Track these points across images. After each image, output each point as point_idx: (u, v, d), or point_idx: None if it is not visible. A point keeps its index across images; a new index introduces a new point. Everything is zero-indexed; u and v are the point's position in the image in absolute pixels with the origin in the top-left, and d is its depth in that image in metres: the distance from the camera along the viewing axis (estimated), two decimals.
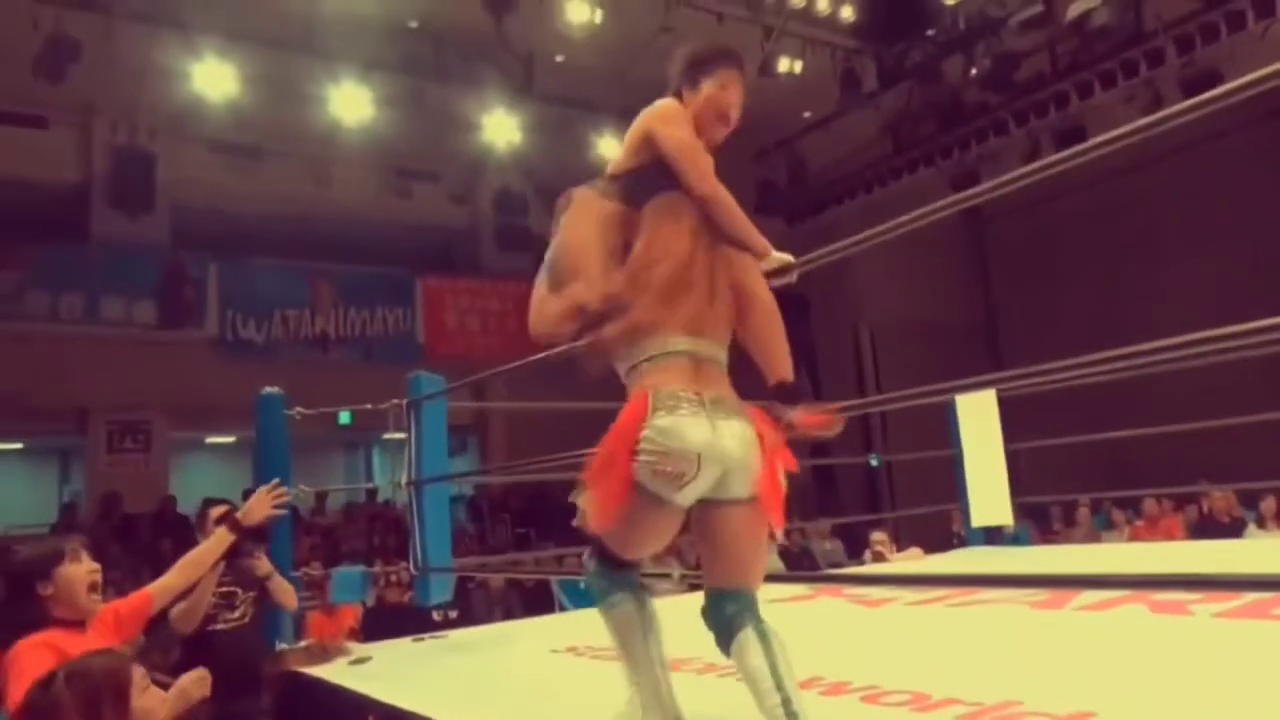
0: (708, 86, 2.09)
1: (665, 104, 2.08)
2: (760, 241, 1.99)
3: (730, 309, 1.99)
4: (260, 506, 2.94)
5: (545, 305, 1.96)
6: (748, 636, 1.74)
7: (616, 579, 1.95)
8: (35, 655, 2.17)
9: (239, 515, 2.93)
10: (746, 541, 1.85)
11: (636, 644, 1.92)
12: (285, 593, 3.62)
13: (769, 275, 2.08)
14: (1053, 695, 2.07)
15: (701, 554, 1.89)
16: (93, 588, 2.42)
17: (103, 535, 8.21)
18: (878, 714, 2.11)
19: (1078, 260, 13.31)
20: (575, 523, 1.92)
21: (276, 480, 3.01)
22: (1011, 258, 14.62)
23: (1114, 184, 12.39)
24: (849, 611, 3.71)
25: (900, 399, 2.86)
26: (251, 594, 3.54)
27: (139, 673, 1.73)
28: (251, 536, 3.29)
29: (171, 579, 2.72)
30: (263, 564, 3.52)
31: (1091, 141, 2.12)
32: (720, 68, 2.10)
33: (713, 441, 1.76)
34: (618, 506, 1.77)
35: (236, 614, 3.45)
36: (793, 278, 2.11)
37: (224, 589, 3.46)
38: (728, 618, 1.78)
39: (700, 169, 1.97)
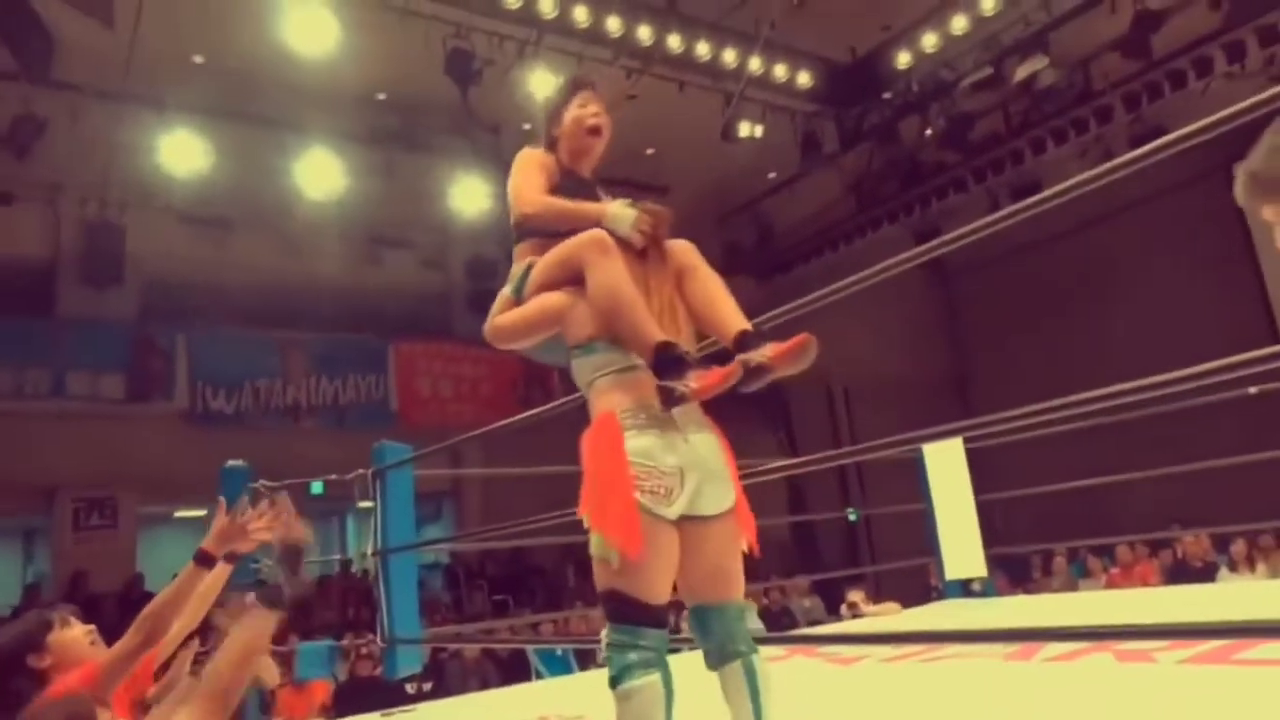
0: (568, 113, 2.28)
1: (516, 159, 2.26)
2: (591, 214, 2.07)
3: (685, 318, 2.03)
4: (229, 532, 2.43)
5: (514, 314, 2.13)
6: (738, 668, 1.84)
7: (644, 649, 1.74)
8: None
9: (206, 545, 2.45)
10: (733, 555, 1.91)
11: None
12: (266, 669, 3.45)
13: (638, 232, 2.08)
14: None
15: (687, 572, 1.86)
16: (93, 644, 2.38)
17: None
18: None
19: (1042, 314, 13.58)
20: (595, 574, 1.80)
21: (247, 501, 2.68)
22: (979, 313, 14.89)
23: (1074, 240, 12.74)
24: (822, 671, 3.69)
25: (869, 450, 2.90)
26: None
27: (106, 716, 1.68)
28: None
29: (128, 640, 2.29)
30: (269, 671, 3.33)
31: (1048, 192, 2.23)
32: (572, 94, 2.30)
33: (687, 453, 1.83)
34: (638, 531, 1.73)
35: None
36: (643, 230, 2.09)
37: (199, 664, 3.35)
38: (724, 635, 1.86)
39: (522, 199, 2.16)
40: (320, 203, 10.17)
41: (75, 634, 2.35)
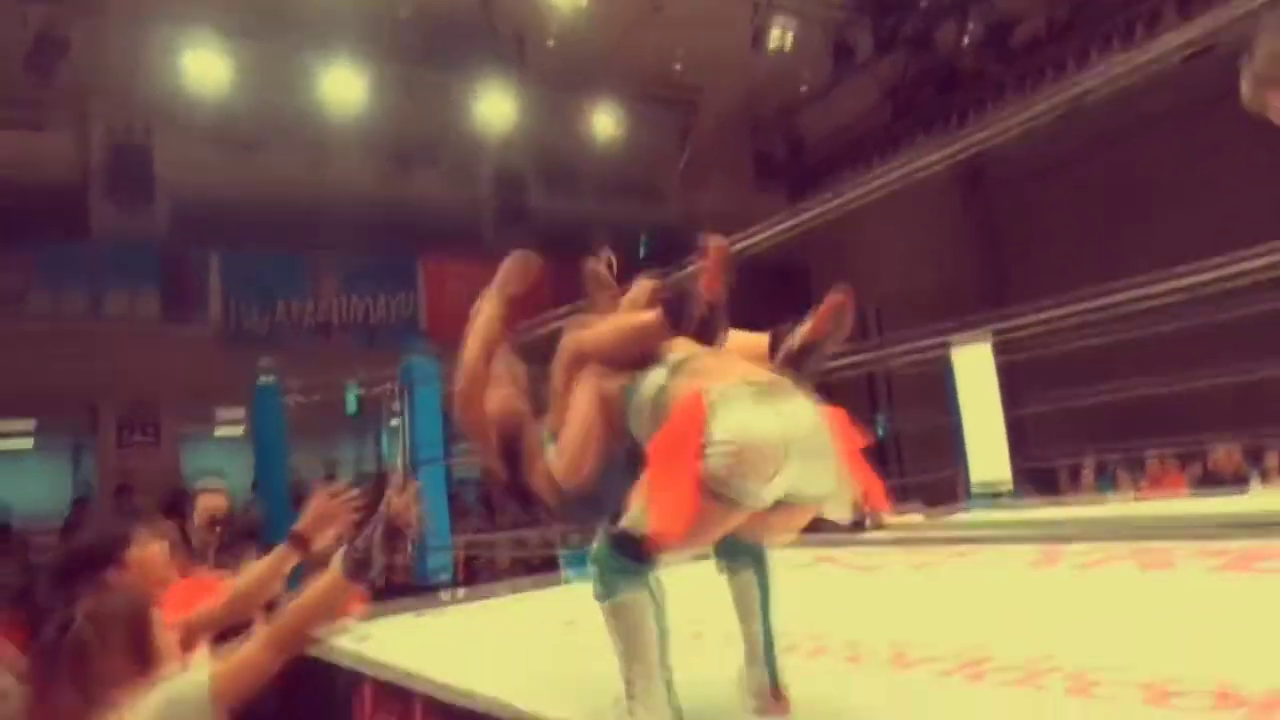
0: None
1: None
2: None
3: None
4: (324, 518, 2.25)
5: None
6: (754, 573, 1.92)
7: (635, 571, 1.73)
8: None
9: (300, 527, 2.28)
10: (794, 530, 1.90)
11: (646, 644, 1.73)
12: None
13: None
14: (1027, 648, 2.11)
15: (752, 524, 1.76)
16: (166, 563, 2.41)
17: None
18: (858, 674, 2.15)
19: (1083, 231, 13.23)
20: (629, 532, 1.72)
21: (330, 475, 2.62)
22: (1017, 230, 14.53)
23: (1115, 150, 12.31)
24: (843, 578, 3.75)
25: (898, 350, 2.87)
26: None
27: (159, 613, 1.70)
28: (244, 535, 3.30)
29: (217, 611, 2.29)
30: (250, 555, 3.43)
31: (1086, 84, 2.12)
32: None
33: (787, 430, 1.67)
34: (692, 513, 1.63)
35: None
36: None
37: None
38: (744, 553, 1.92)
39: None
40: (346, 119, 10.10)
41: (154, 550, 2.37)
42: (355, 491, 2.27)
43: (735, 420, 1.64)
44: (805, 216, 2.41)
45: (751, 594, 1.92)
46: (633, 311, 2.10)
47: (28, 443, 11.73)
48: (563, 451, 1.99)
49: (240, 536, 3.38)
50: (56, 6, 8.13)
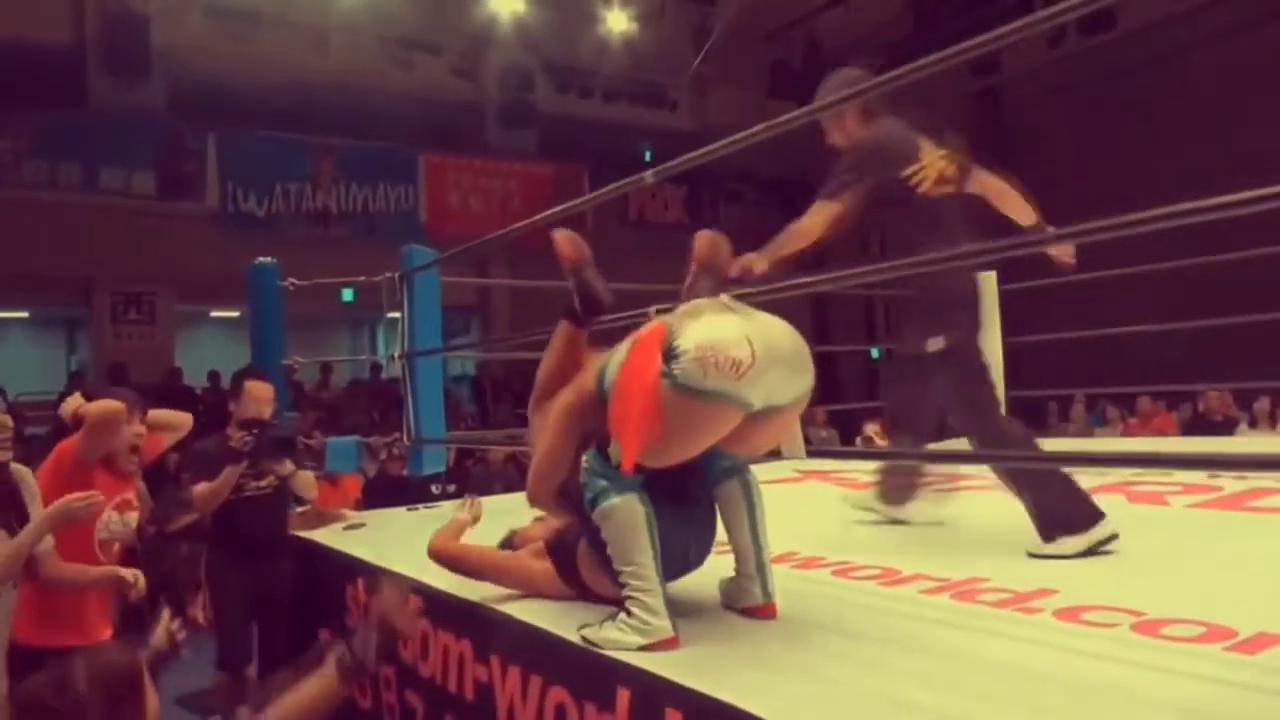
0: None
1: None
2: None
3: None
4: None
5: None
6: (735, 484, 1.94)
7: (624, 480, 1.77)
8: (55, 471, 2.57)
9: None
10: (773, 441, 1.94)
11: (644, 547, 1.77)
12: (306, 485, 3.63)
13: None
14: (1018, 574, 2.12)
15: (732, 439, 1.79)
16: (132, 450, 2.72)
17: None
18: (846, 587, 2.17)
19: (1101, 157, 12.98)
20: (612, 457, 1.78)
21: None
22: (1033, 153, 14.22)
23: (1138, 76, 11.98)
24: (833, 494, 3.77)
25: (902, 267, 2.81)
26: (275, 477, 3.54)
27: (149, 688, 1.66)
28: (277, 447, 3.36)
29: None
30: (285, 465, 3.49)
31: None
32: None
33: (756, 334, 1.70)
34: (657, 429, 1.67)
35: (264, 482, 3.45)
36: None
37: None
38: (729, 464, 1.94)
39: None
40: (352, 1, 9.74)
41: (124, 436, 2.66)
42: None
43: (700, 328, 1.68)
44: (797, 116, 2.30)
45: (736, 504, 1.94)
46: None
47: (23, 314, 11.70)
48: (531, 469, 2.08)
49: (278, 444, 3.41)
50: None
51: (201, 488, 3.26)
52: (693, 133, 11.65)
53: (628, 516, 1.78)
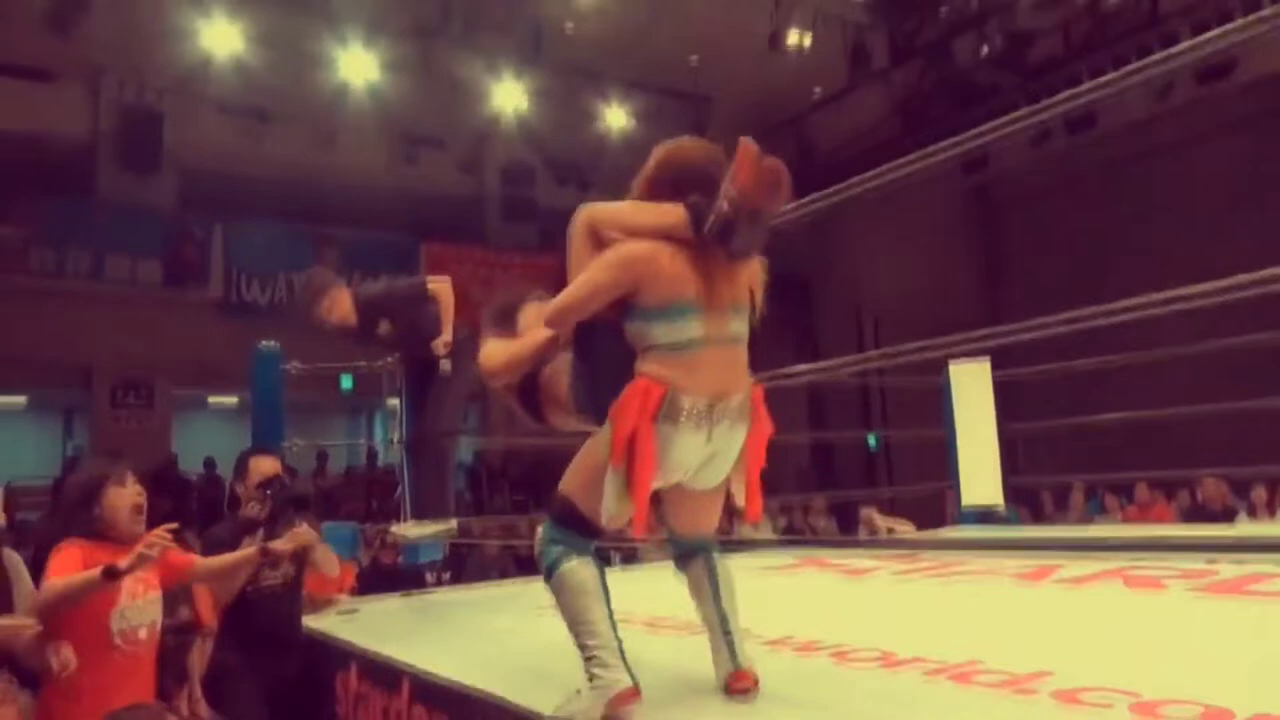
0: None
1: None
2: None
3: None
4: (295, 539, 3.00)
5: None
6: (700, 562, 2.02)
7: (577, 545, 1.88)
8: (66, 555, 2.44)
9: (120, 563, 2.39)
10: (712, 512, 2.05)
11: (597, 608, 1.83)
12: (329, 562, 3.51)
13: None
14: (1014, 656, 2.11)
15: (671, 514, 2.02)
16: (136, 510, 2.62)
17: None
18: (846, 671, 2.16)
19: (1085, 253, 13.27)
20: (567, 480, 1.92)
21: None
22: (1020, 250, 14.57)
23: (1122, 176, 12.33)
24: (831, 580, 3.76)
25: (893, 356, 2.88)
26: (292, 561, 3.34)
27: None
28: (295, 505, 3.25)
29: (216, 565, 2.95)
30: (306, 533, 3.37)
31: (1085, 86, 2.13)
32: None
33: (705, 449, 1.87)
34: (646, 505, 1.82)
35: (278, 573, 3.25)
36: None
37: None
38: (692, 547, 2.04)
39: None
40: (358, 97, 10.07)
41: (126, 495, 2.61)
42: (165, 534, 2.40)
43: (665, 430, 1.80)
44: (808, 200, 2.40)
45: (701, 581, 2.01)
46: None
47: (20, 400, 11.71)
48: (560, 297, 1.95)
49: (290, 504, 3.31)
50: None
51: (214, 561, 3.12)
52: None
53: (584, 579, 1.84)
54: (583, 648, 1.82)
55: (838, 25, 10.85)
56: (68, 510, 2.63)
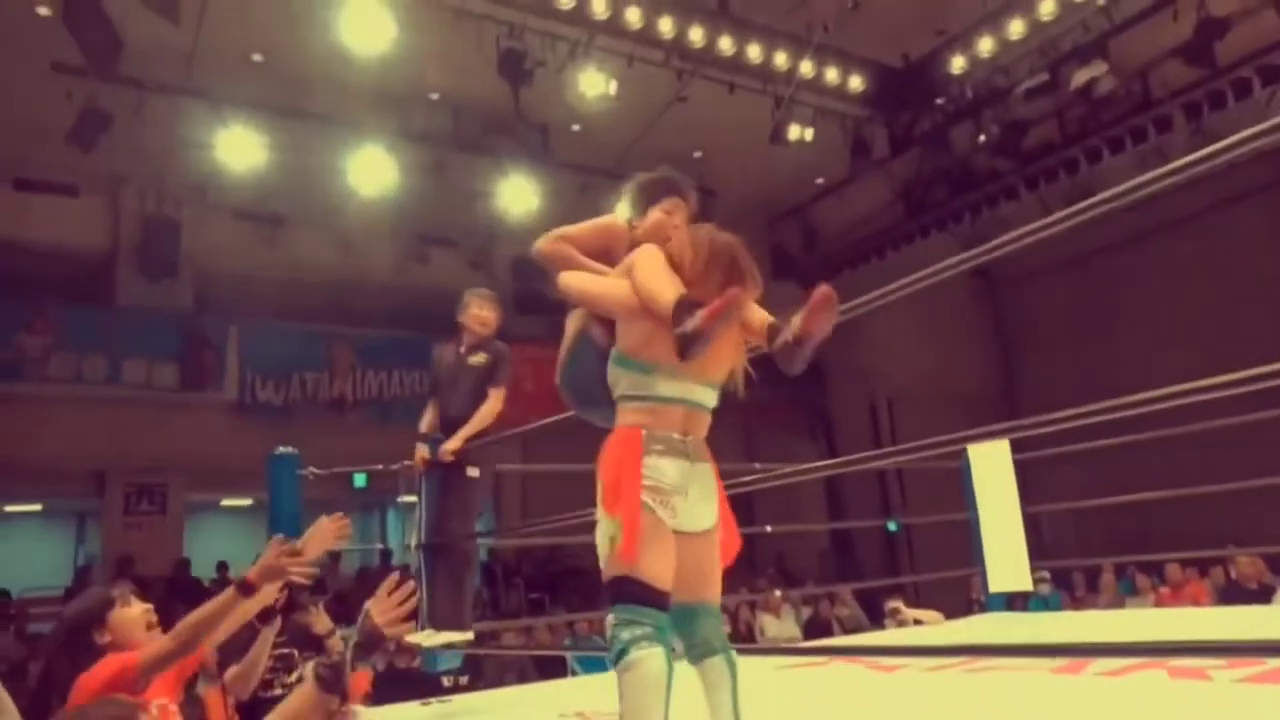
0: (653, 212, 2.38)
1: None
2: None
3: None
4: (321, 537, 2.57)
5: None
6: (721, 662, 2.03)
7: (647, 625, 1.86)
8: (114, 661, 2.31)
9: (250, 575, 2.40)
10: (712, 563, 2.12)
11: (657, 708, 1.80)
12: (320, 620, 3.44)
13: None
14: None
15: (680, 575, 2.03)
16: (149, 626, 2.52)
17: None
18: None
19: (1092, 328, 13.31)
20: (602, 563, 1.99)
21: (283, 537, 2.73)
22: (1027, 326, 14.64)
23: (1126, 253, 12.45)
24: (861, 677, 3.64)
25: (911, 451, 2.86)
26: (310, 655, 3.30)
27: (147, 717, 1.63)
28: (308, 590, 3.17)
29: (165, 645, 2.36)
30: (321, 620, 3.25)
31: (1098, 198, 2.18)
32: (665, 194, 2.39)
33: (690, 476, 2.05)
34: (638, 526, 1.93)
35: (293, 678, 3.20)
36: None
37: (280, 650, 3.23)
38: (706, 633, 2.06)
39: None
40: (371, 201, 10.30)
41: (134, 614, 2.49)
42: (296, 545, 2.42)
43: (654, 462, 2.01)
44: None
45: (721, 682, 2.02)
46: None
47: (35, 508, 11.68)
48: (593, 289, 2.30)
49: (303, 591, 3.24)
50: (100, 83, 8.41)
51: (233, 670, 3.01)
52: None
53: (654, 673, 1.82)
54: None
55: (837, 119, 11.14)
56: (72, 642, 2.48)
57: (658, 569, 1.94)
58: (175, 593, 8.95)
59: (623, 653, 1.83)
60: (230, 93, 9.48)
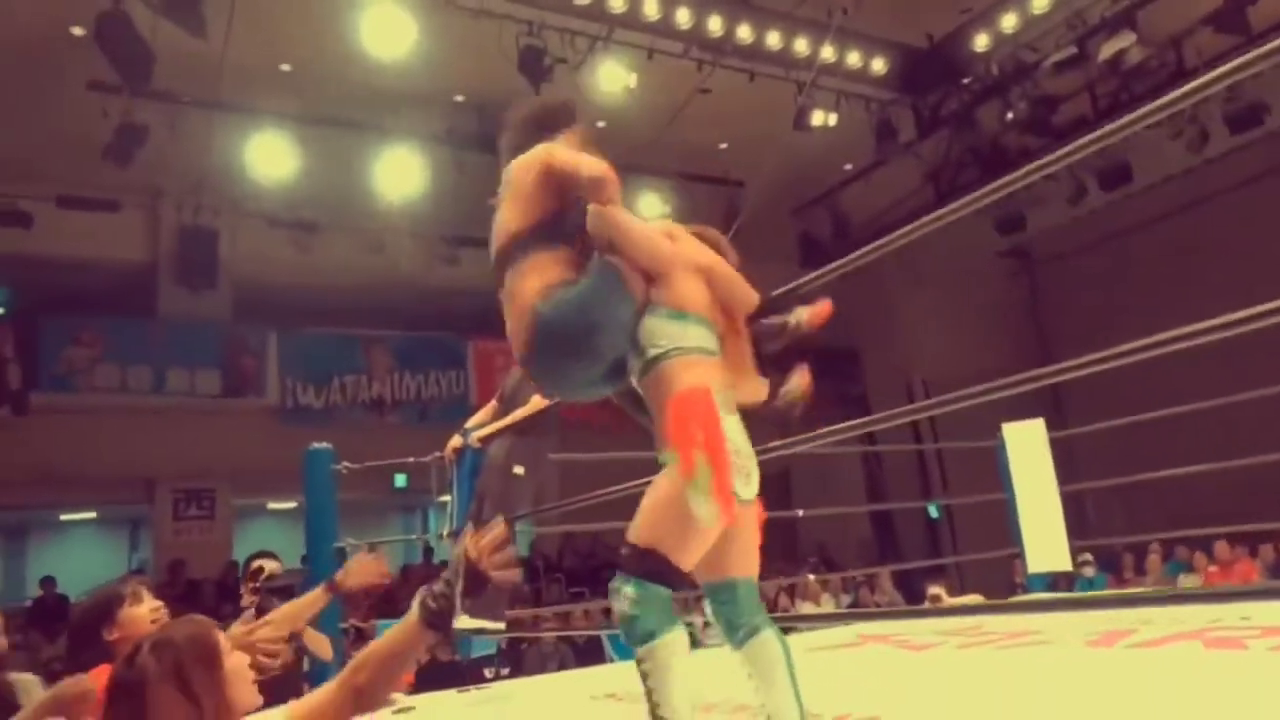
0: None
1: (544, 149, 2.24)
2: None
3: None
4: (361, 571, 2.61)
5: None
6: (769, 638, 1.93)
7: (667, 604, 1.84)
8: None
9: (338, 578, 2.65)
10: (756, 535, 2.03)
11: (679, 684, 1.80)
12: (319, 643, 3.55)
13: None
14: None
15: (724, 549, 1.95)
16: (157, 624, 2.43)
17: (169, 601, 8.42)
18: None
19: (1132, 304, 13.04)
20: (645, 528, 1.90)
21: (373, 544, 2.83)
22: (1064, 304, 14.38)
23: (1164, 227, 12.20)
24: (893, 656, 3.64)
25: (947, 402, 2.84)
26: (290, 644, 3.44)
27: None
28: (278, 594, 3.32)
29: (266, 630, 2.54)
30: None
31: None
32: (564, 127, 2.35)
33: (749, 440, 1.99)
34: (733, 505, 1.84)
35: (275, 663, 3.33)
36: None
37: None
38: (747, 612, 1.95)
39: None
40: (401, 203, 10.43)
41: (141, 611, 2.43)
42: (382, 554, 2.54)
43: (730, 427, 1.91)
44: (817, 275, 2.51)
45: (773, 659, 1.92)
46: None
47: (90, 515, 12.02)
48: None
49: (275, 594, 3.41)
50: (136, 99, 8.61)
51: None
52: None
53: (675, 653, 1.82)
54: (656, 716, 1.81)
55: (861, 103, 11.04)
56: (76, 638, 2.44)
57: (700, 552, 1.88)
58: (225, 594, 9.16)
59: (644, 639, 1.81)
60: (260, 103, 9.66)
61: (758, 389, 2.14)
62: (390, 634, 1.58)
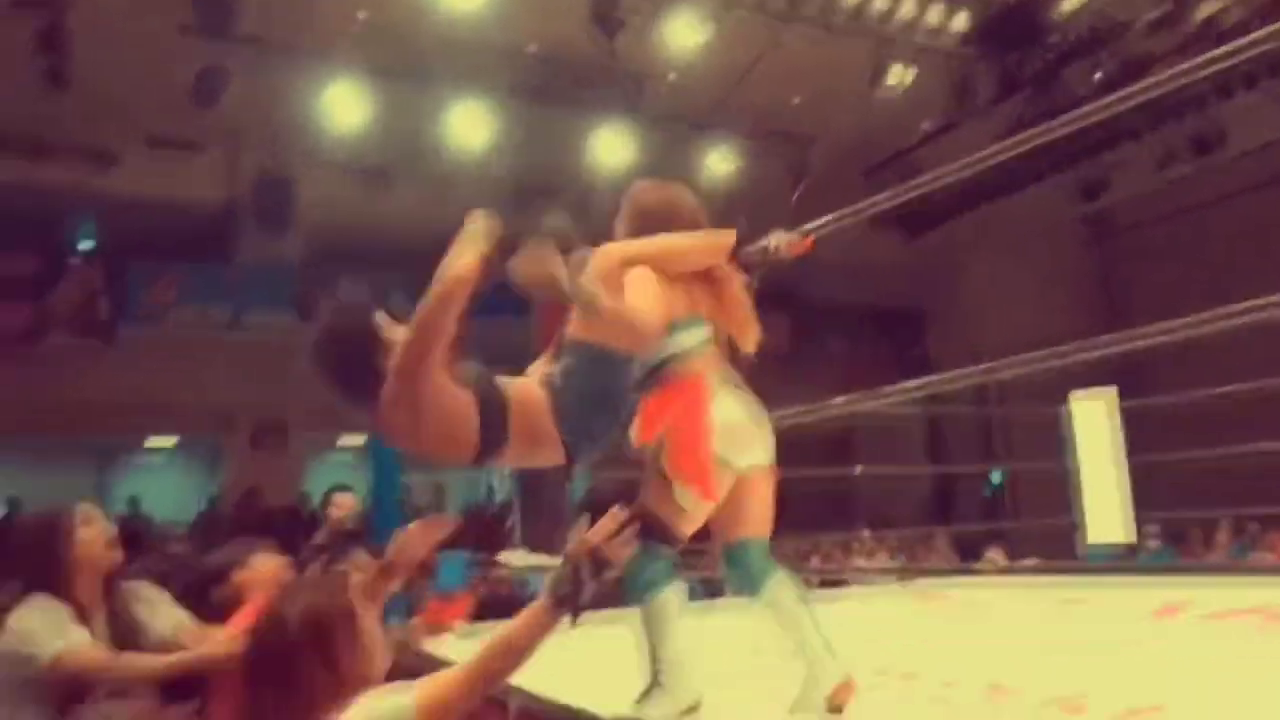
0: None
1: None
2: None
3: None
4: (414, 543, 2.20)
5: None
6: (782, 580, 2.07)
7: (665, 566, 2.03)
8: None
9: (393, 556, 2.21)
10: (768, 500, 2.16)
11: (679, 629, 2.01)
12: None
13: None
14: (1130, 690, 2.04)
15: (739, 510, 2.11)
16: (109, 546, 2.40)
17: (244, 527, 8.84)
18: (951, 702, 2.13)
19: (1213, 278, 12.53)
20: (651, 498, 2.05)
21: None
22: (1141, 274, 13.89)
23: (1244, 201, 11.66)
24: (938, 614, 3.67)
25: (1014, 365, 2.83)
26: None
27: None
28: (348, 538, 3.47)
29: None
30: (358, 556, 3.50)
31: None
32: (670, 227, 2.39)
33: (757, 411, 2.12)
34: (711, 481, 2.00)
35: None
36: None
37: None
38: (759, 568, 2.09)
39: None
40: (471, 154, 10.52)
41: (93, 532, 2.38)
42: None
43: (726, 403, 2.06)
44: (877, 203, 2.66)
45: (789, 597, 2.06)
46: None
47: (171, 441, 12.59)
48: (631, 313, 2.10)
49: (348, 538, 3.58)
50: (220, 43, 8.79)
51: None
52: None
53: (674, 604, 2.02)
54: (659, 670, 2.00)
55: (940, 59, 10.73)
56: (21, 557, 2.33)
57: (698, 521, 2.07)
58: (297, 524, 9.55)
59: (645, 594, 2.01)
60: (337, 51, 9.79)
61: (756, 333, 2.23)
62: (520, 618, 1.57)
